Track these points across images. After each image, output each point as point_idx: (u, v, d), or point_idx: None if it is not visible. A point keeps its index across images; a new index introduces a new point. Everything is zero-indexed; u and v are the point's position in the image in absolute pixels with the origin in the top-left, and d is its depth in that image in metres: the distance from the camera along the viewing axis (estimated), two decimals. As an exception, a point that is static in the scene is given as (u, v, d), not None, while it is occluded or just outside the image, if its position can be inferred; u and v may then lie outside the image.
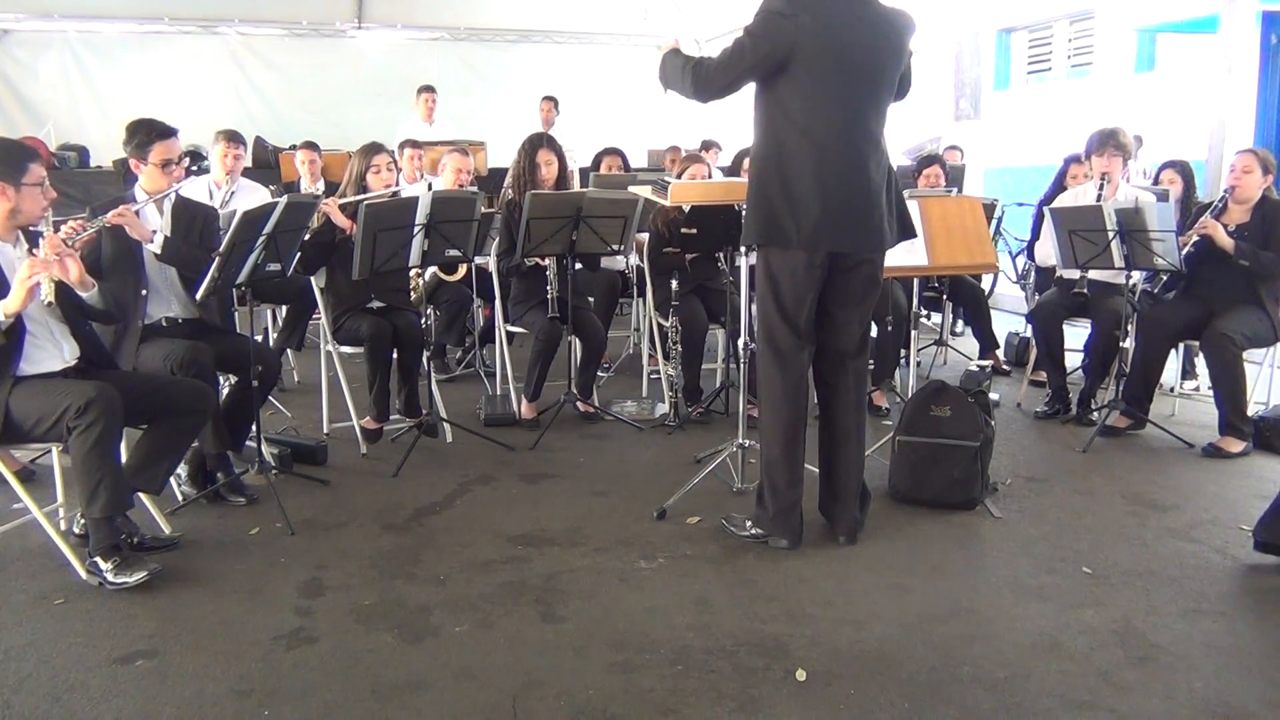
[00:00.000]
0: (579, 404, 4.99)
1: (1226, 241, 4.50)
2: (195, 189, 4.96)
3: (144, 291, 3.69)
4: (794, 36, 3.12)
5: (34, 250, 3.13)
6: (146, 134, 3.68)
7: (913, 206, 4.00)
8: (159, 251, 3.66)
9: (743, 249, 3.76)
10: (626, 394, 5.47)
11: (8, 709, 2.44)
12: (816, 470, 3.54)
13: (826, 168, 3.18)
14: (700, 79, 3.28)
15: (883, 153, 3.29)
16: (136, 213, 3.58)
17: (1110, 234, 4.39)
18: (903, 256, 3.92)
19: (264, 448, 3.94)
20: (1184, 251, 4.51)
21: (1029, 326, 5.51)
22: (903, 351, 5.10)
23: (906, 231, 3.44)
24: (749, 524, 3.46)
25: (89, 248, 3.45)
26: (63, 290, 3.15)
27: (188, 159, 3.94)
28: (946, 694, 2.51)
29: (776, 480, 3.37)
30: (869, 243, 3.29)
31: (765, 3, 3.19)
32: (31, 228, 3.23)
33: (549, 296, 4.76)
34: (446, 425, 4.70)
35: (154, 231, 3.67)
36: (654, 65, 3.45)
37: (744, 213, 3.36)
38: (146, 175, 3.70)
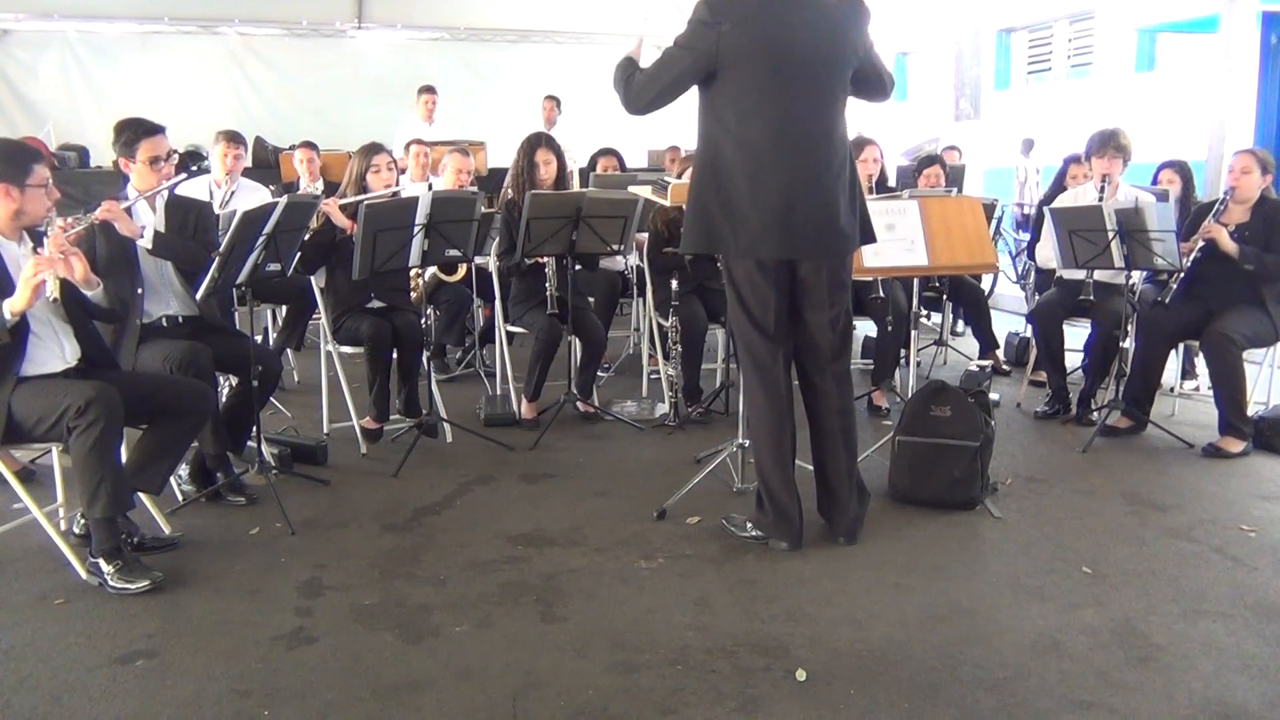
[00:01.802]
0: (579, 404, 4.99)
1: (1231, 246, 4.48)
2: (195, 188, 4.96)
3: (139, 290, 3.68)
4: (717, 45, 3.10)
5: (39, 249, 3.13)
6: (133, 132, 3.67)
7: (912, 206, 4.02)
8: (150, 246, 3.66)
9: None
10: (626, 394, 5.47)
11: (8, 709, 2.44)
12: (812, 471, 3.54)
13: (762, 174, 3.14)
14: (630, 91, 3.28)
15: (833, 154, 3.20)
16: (127, 210, 3.57)
17: (1110, 234, 4.40)
18: (903, 256, 3.92)
19: (264, 448, 3.94)
20: (1192, 257, 4.51)
21: (1029, 326, 5.51)
22: (903, 351, 5.10)
23: (866, 235, 3.38)
24: (749, 525, 3.46)
25: (83, 247, 3.45)
26: (68, 289, 3.15)
27: (177, 156, 3.93)
28: (946, 694, 2.51)
29: (770, 483, 3.37)
30: (816, 247, 3.23)
31: (693, 12, 3.17)
32: (36, 229, 3.23)
33: (549, 296, 4.76)
34: (446, 425, 4.70)
35: (142, 227, 3.66)
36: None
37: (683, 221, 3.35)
38: (136, 174, 3.70)
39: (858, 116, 3.91)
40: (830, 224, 3.22)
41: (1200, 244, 4.53)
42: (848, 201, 3.25)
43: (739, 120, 3.16)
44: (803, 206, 3.17)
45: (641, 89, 3.26)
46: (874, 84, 3.34)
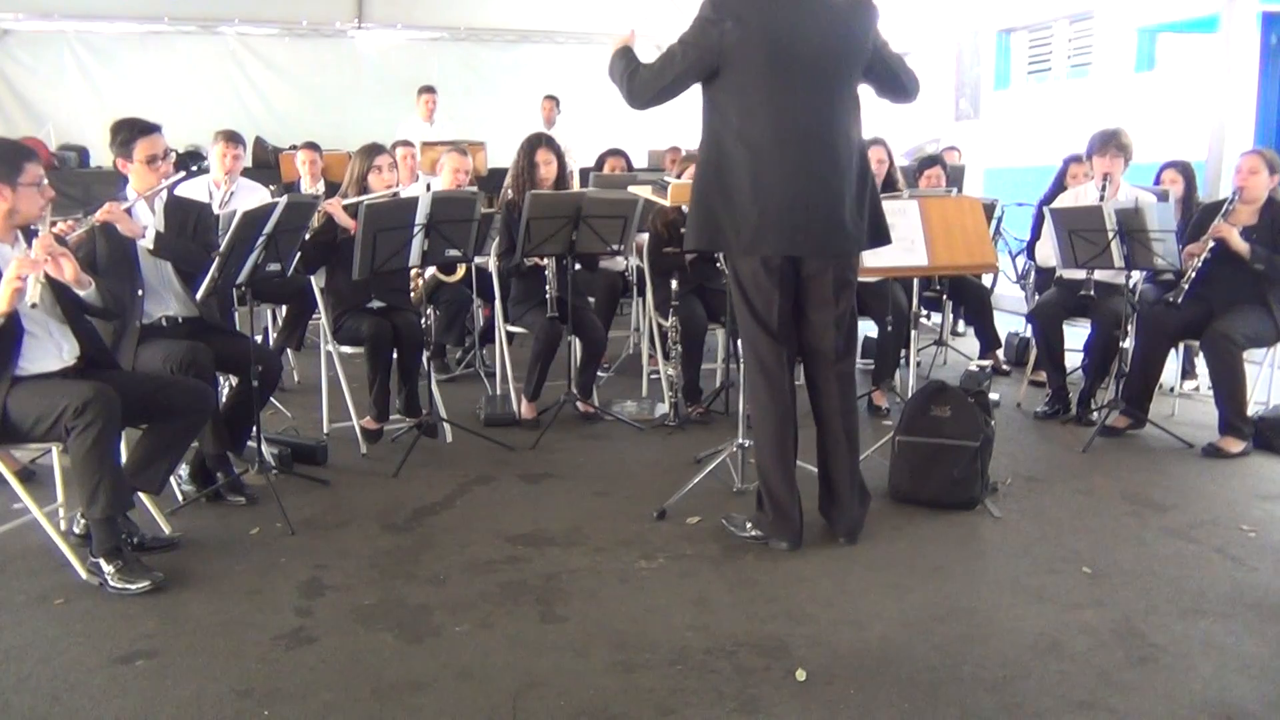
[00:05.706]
0: (579, 404, 5.00)
1: (1242, 246, 4.47)
2: (195, 189, 4.97)
3: (139, 291, 3.68)
4: (720, 42, 3.11)
5: (30, 252, 3.12)
6: (129, 132, 3.66)
7: (912, 206, 4.02)
8: (151, 246, 3.65)
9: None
10: (626, 394, 5.47)
11: (8, 709, 2.44)
12: (815, 471, 3.54)
13: (764, 172, 3.14)
14: (634, 86, 3.28)
15: (841, 152, 3.20)
16: (128, 210, 3.57)
17: (1110, 234, 4.39)
18: (903, 256, 3.92)
19: (264, 448, 3.94)
20: (1202, 257, 4.50)
21: (1029, 326, 5.51)
22: (903, 351, 5.10)
23: (879, 237, 3.36)
24: (749, 525, 3.46)
25: (84, 249, 3.45)
26: (61, 289, 3.14)
27: (174, 154, 3.92)
28: (946, 694, 2.51)
29: (771, 482, 3.36)
30: (818, 246, 3.23)
31: (699, 9, 3.17)
32: (30, 228, 3.22)
33: (549, 296, 4.76)
34: (446, 425, 4.70)
35: (144, 227, 3.66)
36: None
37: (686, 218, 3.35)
38: (134, 174, 3.69)
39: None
40: (834, 223, 3.21)
41: (1210, 244, 4.52)
42: (855, 201, 3.24)
43: (742, 117, 3.16)
44: (805, 204, 3.17)
45: (645, 85, 3.26)
46: (891, 83, 3.35)
